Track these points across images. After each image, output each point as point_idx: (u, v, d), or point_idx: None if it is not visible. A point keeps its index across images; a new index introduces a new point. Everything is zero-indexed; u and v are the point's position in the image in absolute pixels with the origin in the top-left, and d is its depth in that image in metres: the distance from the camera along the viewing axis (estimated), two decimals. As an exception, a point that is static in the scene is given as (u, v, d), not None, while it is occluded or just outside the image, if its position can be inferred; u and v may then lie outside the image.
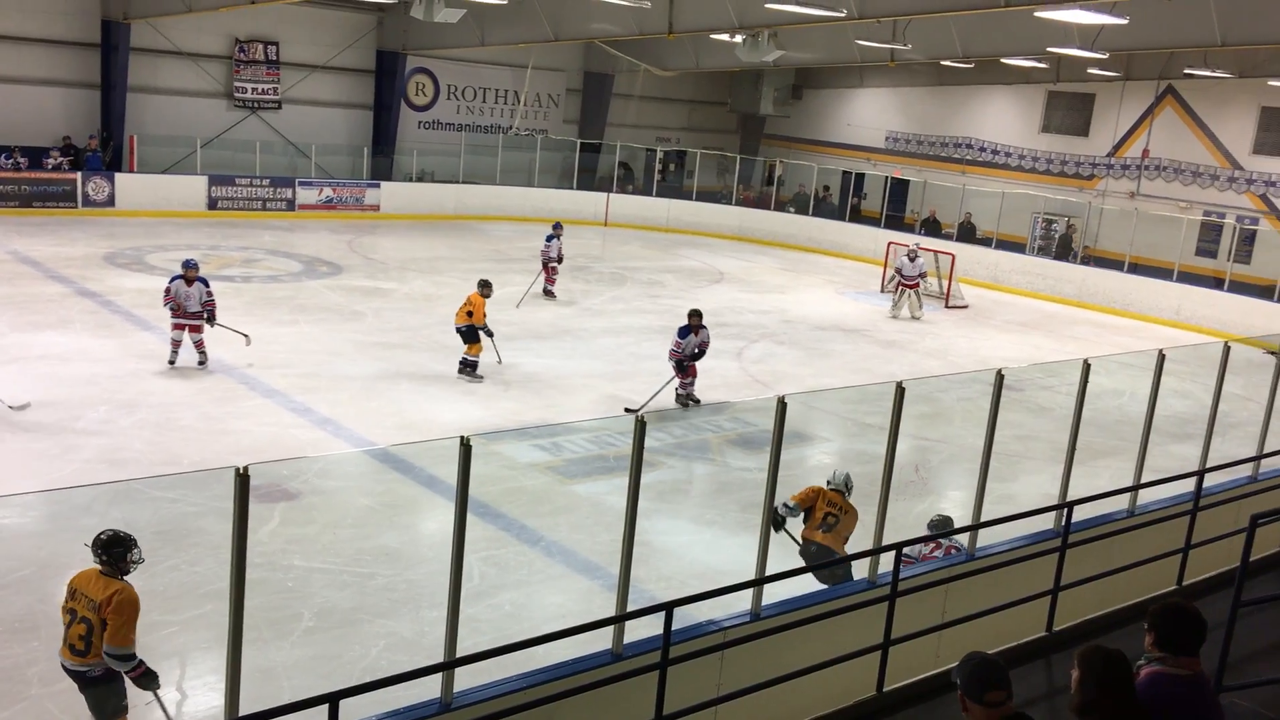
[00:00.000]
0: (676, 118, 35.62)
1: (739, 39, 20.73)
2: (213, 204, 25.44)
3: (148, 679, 5.85)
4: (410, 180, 29.26)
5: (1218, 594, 7.47)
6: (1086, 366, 7.47)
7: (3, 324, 14.85)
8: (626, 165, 33.30)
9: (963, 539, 7.24)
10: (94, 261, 19.49)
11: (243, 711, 4.25)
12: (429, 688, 4.84)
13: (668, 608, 5.21)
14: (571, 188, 31.03)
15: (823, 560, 7.98)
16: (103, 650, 5.67)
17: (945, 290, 23.45)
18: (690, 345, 13.93)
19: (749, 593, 5.99)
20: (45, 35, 24.13)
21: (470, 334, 14.40)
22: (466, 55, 29.29)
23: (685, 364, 14.00)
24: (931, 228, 27.98)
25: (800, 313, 20.99)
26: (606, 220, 30.49)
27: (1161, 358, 8.00)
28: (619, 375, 15.21)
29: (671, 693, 5.21)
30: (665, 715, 5.21)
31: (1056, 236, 27.62)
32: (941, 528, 7.85)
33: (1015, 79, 29.43)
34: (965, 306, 23.21)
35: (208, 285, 13.71)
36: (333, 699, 4.25)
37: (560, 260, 19.96)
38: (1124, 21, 16.20)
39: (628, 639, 5.49)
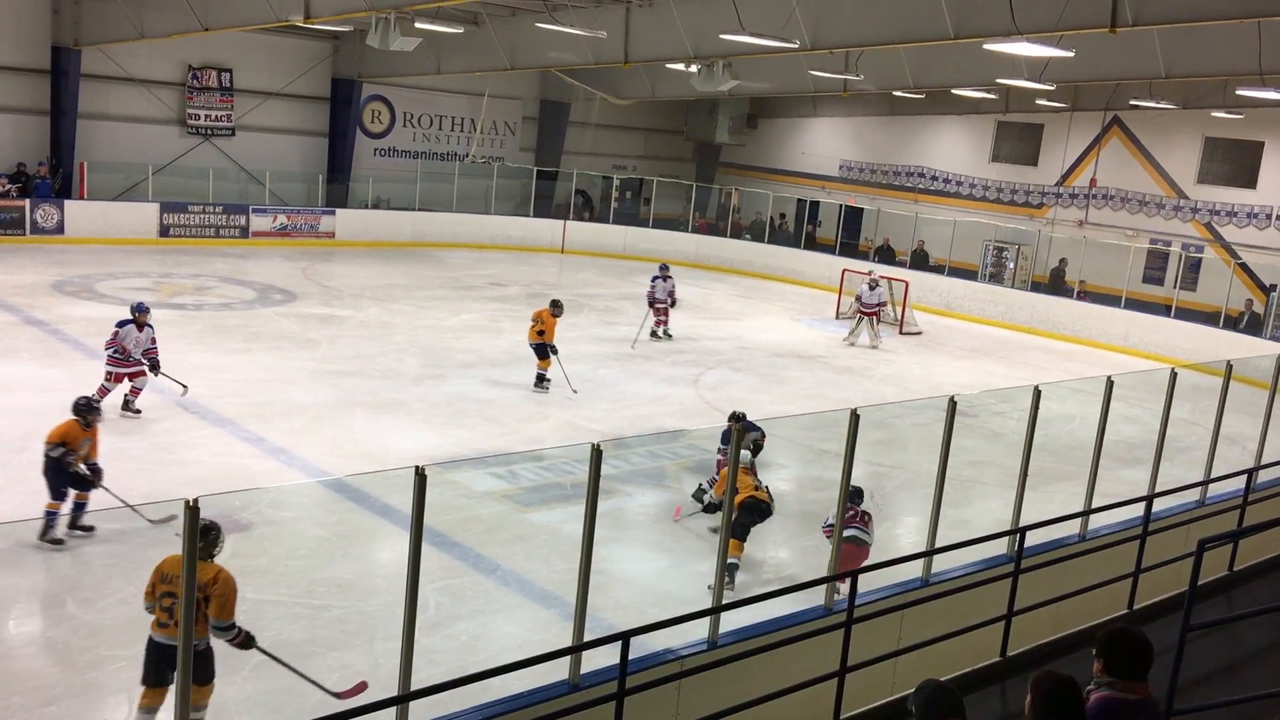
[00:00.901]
0: (633, 146, 35.81)
1: (694, 69, 20.92)
2: (164, 231, 25.15)
3: (249, 641, 6.44)
4: (366, 207, 29.12)
5: (1167, 618, 7.58)
6: (1037, 393, 7.58)
7: (-53, 353, 14.57)
8: (583, 193, 33.38)
9: (917, 565, 7.30)
10: (42, 289, 19.20)
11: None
12: (383, 721, 4.77)
13: (624, 637, 5.19)
14: (528, 215, 31.03)
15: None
16: (209, 624, 6.24)
17: (900, 317, 23.70)
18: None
19: (706, 620, 6.00)
20: (-7, 61, 23.83)
21: (541, 350, 15.66)
22: (422, 83, 29.24)
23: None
24: (885, 255, 28.31)
25: (756, 339, 21.10)
26: (564, 248, 30.53)
27: (1110, 384, 8.14)
28: (576, 402, 15.20)
29: (629, 723, 5.19)
30: (623, 746, 5.18)
31: (1049, 271, 27.44)
32: (853, 498, 8.56)
33: (966, 109, 29.91)
34: (919, 333, 23.46)
35: (153, 330, 13.16)
36: (285, 735, 4.20)
37: (673, 303, 20.16)
38: (1070, 54, 16.50)
39: (585, 668, 5.47)
